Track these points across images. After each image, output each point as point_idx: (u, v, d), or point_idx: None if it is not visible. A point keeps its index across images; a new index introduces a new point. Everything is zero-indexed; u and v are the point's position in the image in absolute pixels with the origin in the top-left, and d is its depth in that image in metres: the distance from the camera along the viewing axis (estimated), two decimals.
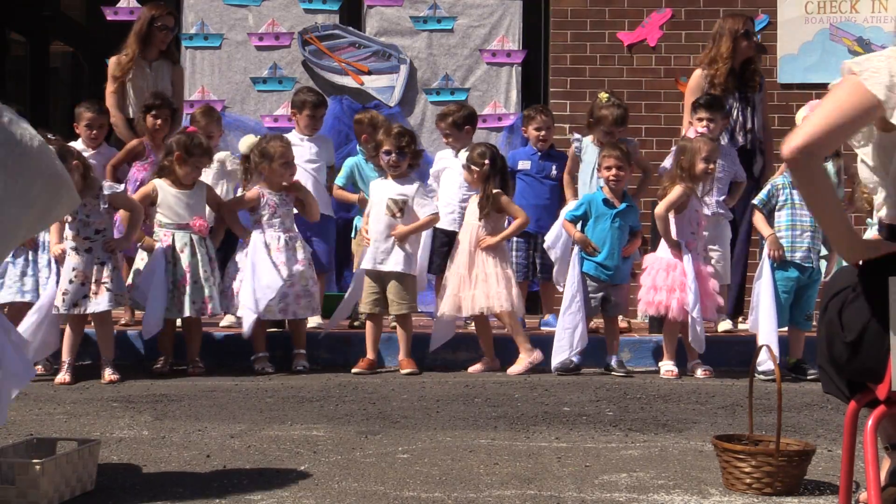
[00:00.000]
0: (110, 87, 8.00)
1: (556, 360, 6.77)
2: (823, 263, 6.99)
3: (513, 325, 6.90)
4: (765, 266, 6.68)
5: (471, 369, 6.92)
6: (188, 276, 6.74)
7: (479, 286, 6.87)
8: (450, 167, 7.68)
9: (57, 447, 3.90)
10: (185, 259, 6.76)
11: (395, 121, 8.59)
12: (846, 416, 3.19)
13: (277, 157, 6.97)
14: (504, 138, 9.05)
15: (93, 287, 6.42)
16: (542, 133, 7.82)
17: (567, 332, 6.77)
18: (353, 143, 8.67)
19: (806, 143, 2.95)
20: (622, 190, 7.00)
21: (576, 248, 6.94)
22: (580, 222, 6.99)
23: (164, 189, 6.88)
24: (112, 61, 8.10)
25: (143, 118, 7.65)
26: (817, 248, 6.77)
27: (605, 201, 6.94)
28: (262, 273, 6.80)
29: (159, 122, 7.58)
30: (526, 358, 6.85)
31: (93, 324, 6.61)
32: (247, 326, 6.80)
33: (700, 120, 7.33)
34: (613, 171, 6.90)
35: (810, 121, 2.98)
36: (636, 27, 9.15)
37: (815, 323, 6.88)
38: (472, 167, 6.97)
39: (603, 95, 7.60)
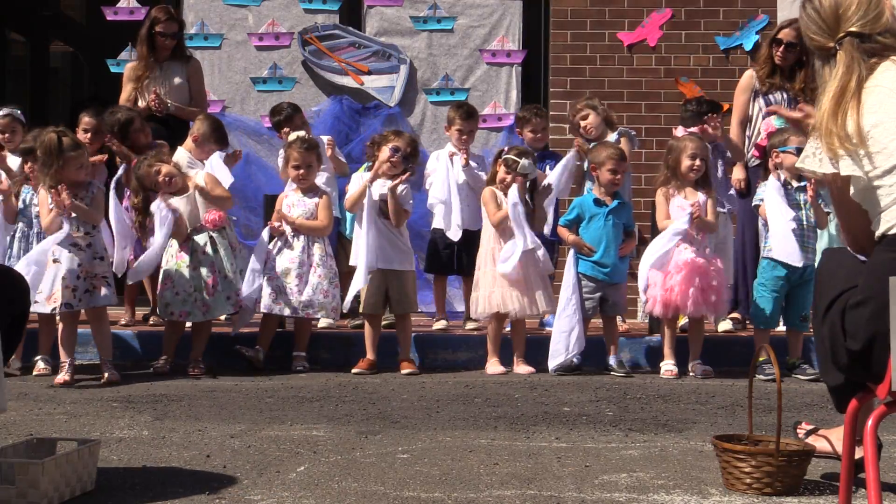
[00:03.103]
0: (123, 94, 8.07)
1: (552, 363, 6.76)
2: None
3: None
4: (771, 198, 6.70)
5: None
6: (216, 275, 6.77)
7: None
8: (449, 169, 7.65)
9: (57, 447, 3.90)
10: (207, 260, 6.78)
11: (396, 122, 8.61)
12: (846, 416, 3.19)
13: (292, 159, 7.06)
14: (504, 138, 9.05)
15: (93, 282, 6.42)
16: (538, 135, 7.82)
17: (563, 335, 6.75)
18: (353, 142, 8.68)
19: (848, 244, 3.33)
20: (615, 191, 6.99)
21: (571, 251, 6.94)
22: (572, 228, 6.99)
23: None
24: (126, 67, 8.19)
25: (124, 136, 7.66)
26: (810, 247, 6.77)
27: (596, 201, 6.93)
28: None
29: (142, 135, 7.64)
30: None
31: (90, 323, 6.60)
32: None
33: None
34: (619, 175, 6.91)
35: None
36: (636, 27, 9.15)
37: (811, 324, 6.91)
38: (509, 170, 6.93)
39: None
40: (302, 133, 7.44)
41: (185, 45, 8.27)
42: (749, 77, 7.87)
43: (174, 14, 8.16)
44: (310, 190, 7.13)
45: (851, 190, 3.16)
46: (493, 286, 6.85)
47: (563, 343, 6.74)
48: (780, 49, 7.69)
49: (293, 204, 7.07)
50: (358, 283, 6.84)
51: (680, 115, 7.90)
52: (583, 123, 7.55)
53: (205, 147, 7.54)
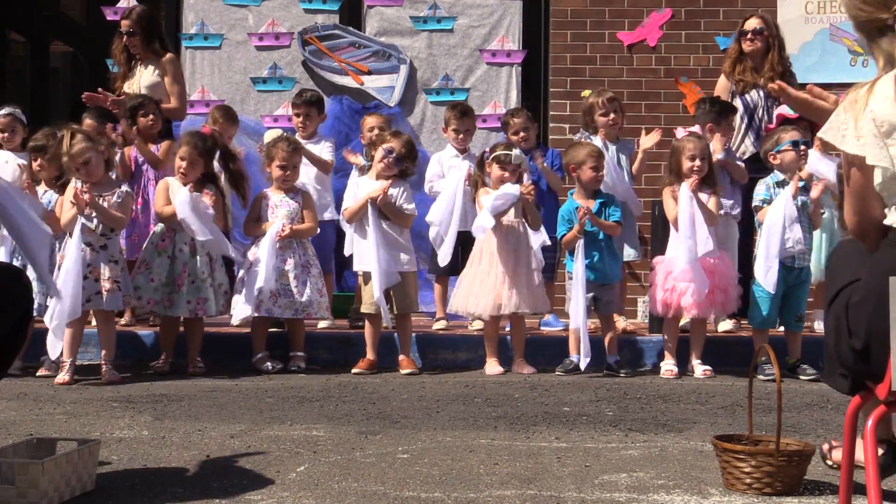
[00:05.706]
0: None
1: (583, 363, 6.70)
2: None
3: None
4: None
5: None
6: (185, 275, 6.74)
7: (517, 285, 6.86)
8: (455, 167, 7.63)
9: (57, 447, 3.89)
10: (182, 258, 6.76)
11: (396, 122, 8.60)
12: (846, 416, 3.19)
13: (278, 159, 7.03)
14: (503, 139, 9.03)
15: (105, 284, 6.41)
16: (521, 134, 7.79)
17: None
18: (353, 142, 8.68)
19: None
20: (596, 189, 6.97)
21: (567, 255, 6.88)
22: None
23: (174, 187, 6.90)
24: None
25: (132, 122, 7.63)
26: (808, 247, 6.77)
27: (580, 208, 6.89)
28: (258, 273, 6.82)
29: (150, 118, 7.60)
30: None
31: (95, 323, 6.61)
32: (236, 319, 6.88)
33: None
34: (601, 172, 6.90)
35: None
36: (636, 27, 9.16)
37: (806, 323, 6.93)
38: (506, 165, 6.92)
39: (585, 92, 7.92)
40: (280, 131, 7.48)
41: (156, 42, 7.95)
42: (723, 78, 7.93)
43: (132, 11, 8.03)
44: (290, 189, 7.13)
45: (877, 178, 2.99)
46: (470, 288, 6.87)
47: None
48: (747, 37, 7.76)
49: (277, 204, 7.06)
50: (378, 292, 6.76)
51: (694, 114, 7.88)
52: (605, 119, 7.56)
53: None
